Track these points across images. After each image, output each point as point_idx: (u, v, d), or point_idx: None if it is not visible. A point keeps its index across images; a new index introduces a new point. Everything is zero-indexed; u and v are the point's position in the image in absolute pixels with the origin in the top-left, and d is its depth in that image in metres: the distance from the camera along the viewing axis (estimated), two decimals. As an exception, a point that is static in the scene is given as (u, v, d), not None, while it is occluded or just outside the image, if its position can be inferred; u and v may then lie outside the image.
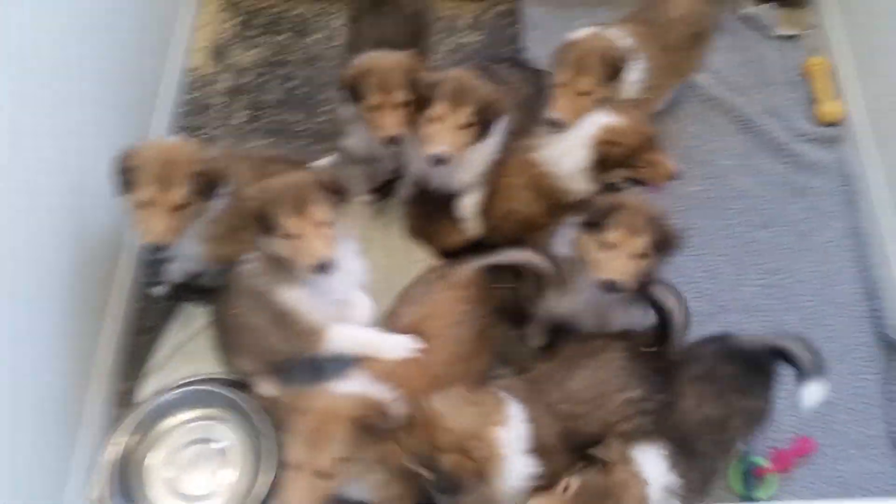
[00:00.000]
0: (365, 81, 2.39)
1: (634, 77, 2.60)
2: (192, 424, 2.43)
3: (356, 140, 2.65)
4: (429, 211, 2.77)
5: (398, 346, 2.18)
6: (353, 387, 1.95)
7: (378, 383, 1.99)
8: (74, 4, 2.35)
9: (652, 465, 1.94)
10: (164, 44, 3.17)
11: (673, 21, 2.70)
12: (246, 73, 3.30)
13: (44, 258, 2.15)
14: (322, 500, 1.78)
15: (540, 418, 1.96)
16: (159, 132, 3.00)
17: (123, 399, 2.53)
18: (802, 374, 2.11)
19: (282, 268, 2.07)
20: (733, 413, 2.11)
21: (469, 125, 2.35)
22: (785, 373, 2.21)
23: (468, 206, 2.64)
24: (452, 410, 1.85)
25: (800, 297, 2.80)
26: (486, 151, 2.52)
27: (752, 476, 2.43)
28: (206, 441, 2.41)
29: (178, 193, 2.06)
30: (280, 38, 3.40)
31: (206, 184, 2.13)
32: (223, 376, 2.48)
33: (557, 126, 2.47)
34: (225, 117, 3.19)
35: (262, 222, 2.01)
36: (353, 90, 2.43)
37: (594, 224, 2.11)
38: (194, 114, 3.19)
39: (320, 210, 2.00)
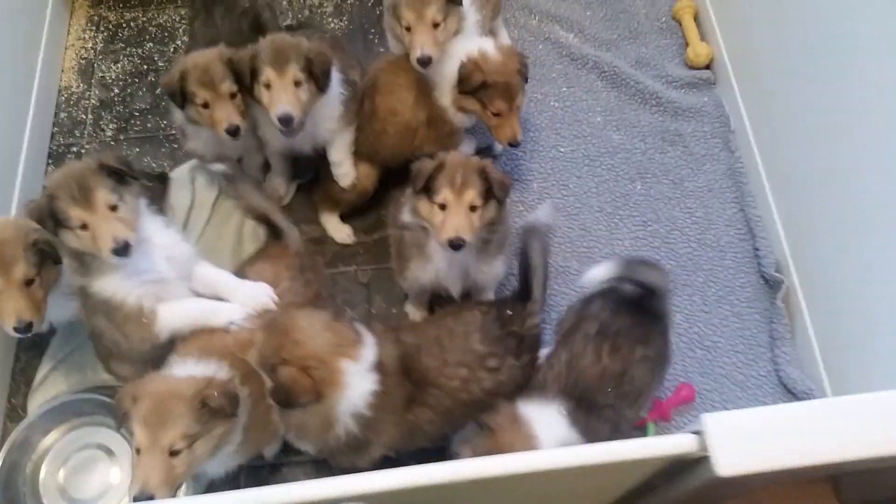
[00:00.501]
0: (187, 81, 2.36)
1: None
2: (77, 431, 2.44)
3: (198, 142, 2.62)
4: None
5: (256, 295, 2.16)
6: (184, 370, 1.95)
7: (204, 362, 1.97)
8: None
9: (548, 423, 1.92)
10: (34, 65, 3.11)
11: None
12: (113, 86, 3.26)
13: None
14: (177, 478, 1.79)
15: (385, 348, 1.99)
16: (35, 153, 2.98)
17: (14, 415, 2.53)
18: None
19: (89, 260, 2.02)
20: (632, 363, 2.08)
21: (301, 82, 2.32)
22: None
23: (338, 150, 2.64)
24: (309, 328, 1.84)
25: (677, 244, 2.75)
26: (332, 102, 2.50)
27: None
28: (92, 446, 2.43)
29: (20, 271, 2.00)
30: (144, 49, 3.36)
31: (45, 252, 2.05)
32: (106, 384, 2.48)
33: (426, 62, 2.42)
34: (96, 132, 3.16)
35: (52, 219, 1.96)
36: (179, 94, 2.39)
37: (424, 189, 2.12)
38: (66, 132, 3.16)
39: (105, 194, 1.95)
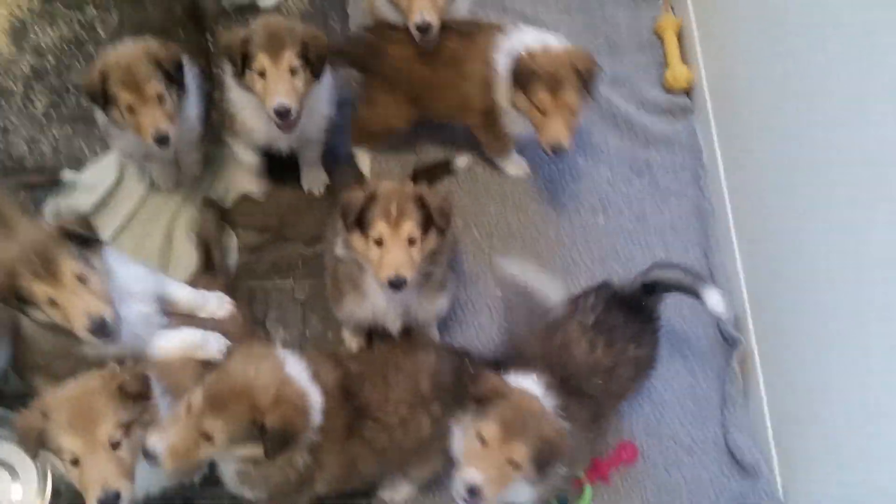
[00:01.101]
0: (109, 83, 2.13)
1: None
2: None
3: (124, 143, 2.41)
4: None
5: (220, 304, 2.23)
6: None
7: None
8: None
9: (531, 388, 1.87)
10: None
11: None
12: (47, 54, 2.99)
13: None
14: (129, 467, 1.72)
15: (323, 367, 1.90)
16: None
17: None
18: (691, 290, 2.09)
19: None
20: (623, 361, 2.05)
21: (297, 70, 2.17)
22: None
23: (313, 154, 2.64)
24: (255, 369, 1.71)
25: (634, 285, 2.60)
26: (324, 97, 2.39)
27: (565, 495, 2.26)
28: None
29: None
30: (85, 14, 3.07)
31: None
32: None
33: (427, 28, 2.27)
34: (25, 105, 2.91)
35: (13, 300, 1.79)
36: (100, 95, 2.16)
37: (357, 222, 1.94)
38: (-8, 102, 2.90)
39: (69, 264, 1.78)
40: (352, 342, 2.46)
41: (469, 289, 2.55)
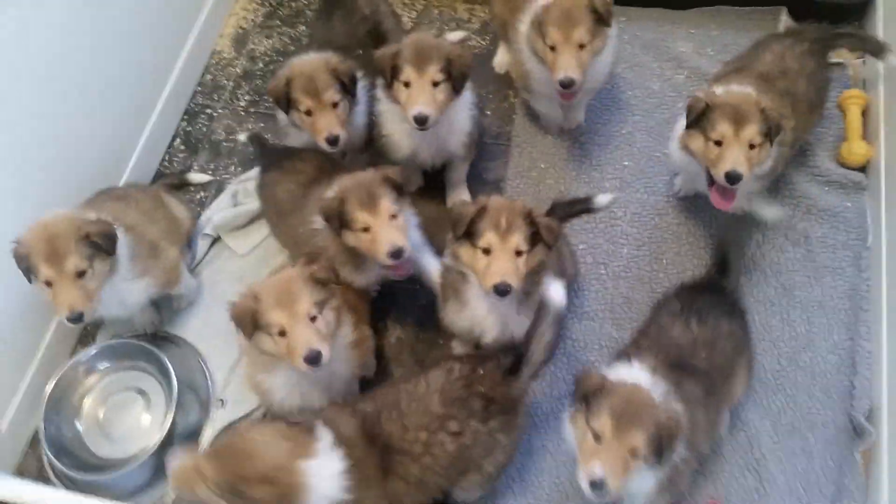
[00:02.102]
0: (292, 88, 2.41)
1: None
2: (123, 373, 2.61)
3: (300, 142, 2.67)
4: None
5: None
6: None
7: None
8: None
9: (638, 378, 1.91)
10: (195, 22, 3.31)
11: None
12: (258, 60, 3.41)
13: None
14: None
15: (341, 419, 1.93)
16: (172, 106, 3.19)
17: (84, 339, 2.73)
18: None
19: None
20: (720, 335, 2.12)
21: (439, 82, 2.33)
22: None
23: (458, 173, 2.79)
24: (261, 442, 1.80)
25: (765, 356, 2.43)
26: (464, 112, 2.53)
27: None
28: (134, 389, 2.59)
29: (72, 263, 2.12)
30: (297, 30, 3.48)
31: (98, 244, 2.17)
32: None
33: (570, 84, 2.35)
34: (232, 100, 3.32)
35: (335, 221, 2.17)
36: (284, 99, 2.44)
37: (466, 234, 2.02)
38: (207, 93, 3.35)
39: (386, 203, 2.14)
40: (460, 351, 2.51)
41: (582, 323, 2.53)
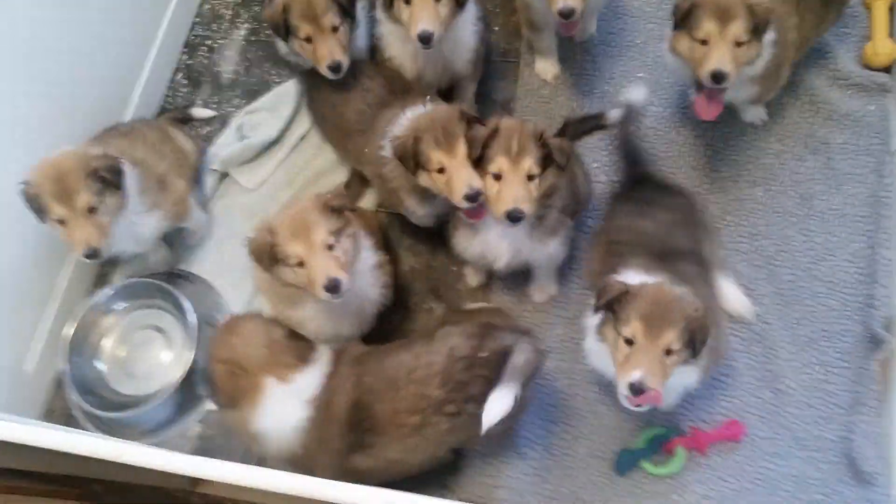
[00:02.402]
0: (290, 15, 2.32)
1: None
2: (141, 312, 2.65)
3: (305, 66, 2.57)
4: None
5: None
6: None
7: None
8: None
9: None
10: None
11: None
12: (256, -15, 3.30)
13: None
14: (344, 265, 1.95)
15: (340, 388, 1.95)
16: (172, 39, 3.12)
17: (100, 280, 2.75)
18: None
19: None
20: (679, 210, 2.19)
21: None
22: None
23: (466, 94, 2.68)
24: (250, 337, 1.90)
25: (782, 268, 2.40)
26: (468, 28, 2.45)
27: (659, 443, 2.19)
28: (151, 327, 2.63)
29: (84, 200, 2.11)
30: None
31: (107, 178, 2.15)
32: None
33: (571, 13, 2.20)
34: (231, 30, 3.23)
35: (411, 160, 2.10)
36: (282, 27, 2.35)
37: (480, 157, 1.99)
38: (205, 24, 3.25)
39: (462, 142, 2.05)
40: (473, 278, 2.52)
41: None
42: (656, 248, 2.06)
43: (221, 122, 2.99)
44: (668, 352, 1.74)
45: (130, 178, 2.26)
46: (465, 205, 2.01)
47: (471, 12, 2.42)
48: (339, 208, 2.00)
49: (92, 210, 2.13)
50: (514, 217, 1.93)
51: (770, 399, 2.23)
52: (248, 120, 2.93)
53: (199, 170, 2.83)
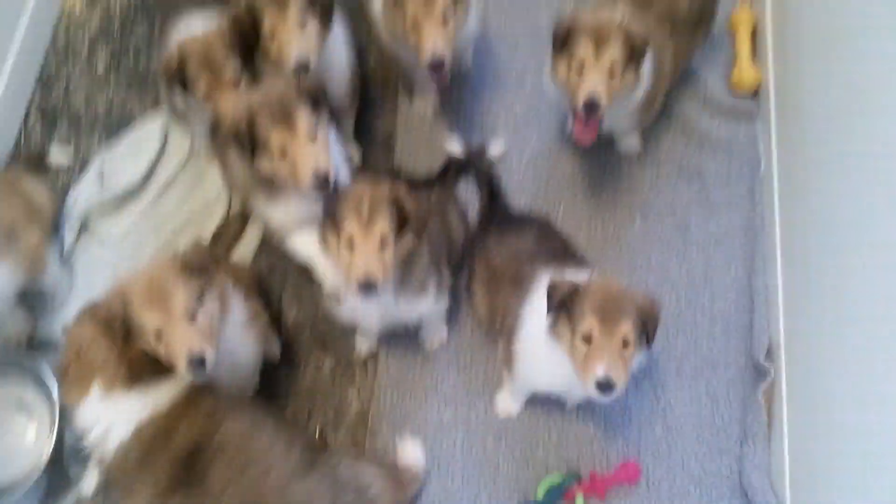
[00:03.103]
0: (188, 68, 2.14)
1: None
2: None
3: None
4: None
5: None
6: None
7: None
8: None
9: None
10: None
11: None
12: (114, 18, 3.08)
13: None
14: (209, 336, 1.80)
15: (189, 425, 1.84)
16: (22, 75, 2.89)
17: None
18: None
19: None
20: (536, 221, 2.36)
21: (305, 23, 2.13)
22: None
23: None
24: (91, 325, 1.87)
25: (666, 298, 2.39)
26: (340, 49, 2.35)
27: (558, 494, 2.16)
28: (12, 402, 2.40)
29: None
30: (151, -23, 3.14)
31: None
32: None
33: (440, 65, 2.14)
34: (89, 66, 3.01)
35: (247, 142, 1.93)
36: (179, 81, 2.17)
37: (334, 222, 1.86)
38: (60, 60, 3.03)
39: (305, 120, 1.89)
40: (362, 345, 2.42)
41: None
42: (546, 254, 2.10)
43: (81, 164, 2.78)
44: (625, 343, 1.73)
45: None
46: (311, 191, 1.87)
47: (339, 34, 2.31)
48: (199, 267, 1.84)
49: None
50: (366, 288, 1.80)
51: (662, 436, 2.24)
52: (110, 164, 2.73)
53: (57, 221, 2.62)
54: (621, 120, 2.33)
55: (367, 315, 2.07)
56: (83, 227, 2.66)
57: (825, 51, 2.20)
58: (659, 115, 2.52)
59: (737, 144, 2.60)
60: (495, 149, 2.60)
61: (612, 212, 2.54)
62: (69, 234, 2.62)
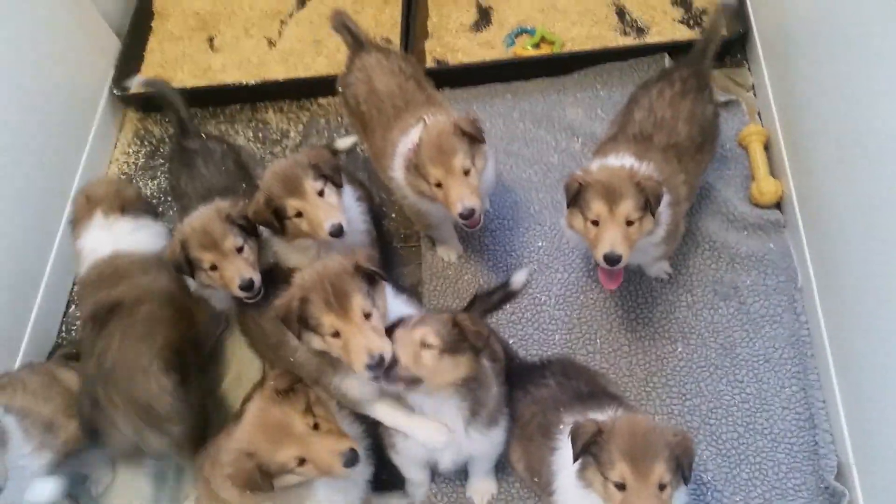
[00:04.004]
0: (191, 251, 2.23)
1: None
2: None
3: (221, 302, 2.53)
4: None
5: None
6: None
7: None
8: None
9: None
10: (70, 184, 3.11)
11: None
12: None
13: None
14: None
15: None
16: (62, 270, 2.99)
17: None
18: None
19: None
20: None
21: (322, 189, 2.21)
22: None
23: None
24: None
25: (720, 426, 2.28)
26: (352, 202, 2.40)
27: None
28: None
29: None
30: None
31: None
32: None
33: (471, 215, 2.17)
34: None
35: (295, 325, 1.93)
36: (184, 263, 2.25)
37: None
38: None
39: (359, 301, 1.89)
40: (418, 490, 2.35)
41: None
42: (567, 396, 2.03)
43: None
44: (661, 486, 1.61)
45: (11, 426, 2.17)
46: (366, 375, 1.84)
47: (348, 193, 2.37)
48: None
49: None
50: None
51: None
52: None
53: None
54: (647, 255, 2.30)
55: (440, 452, 2.03)
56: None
57: (841, 156, 2.17)
58: (684, 237, 2.50)
59: (769, 256, 2.54)
60: (518, 279, 2.59)
61: (651, 339, 2.47)
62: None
